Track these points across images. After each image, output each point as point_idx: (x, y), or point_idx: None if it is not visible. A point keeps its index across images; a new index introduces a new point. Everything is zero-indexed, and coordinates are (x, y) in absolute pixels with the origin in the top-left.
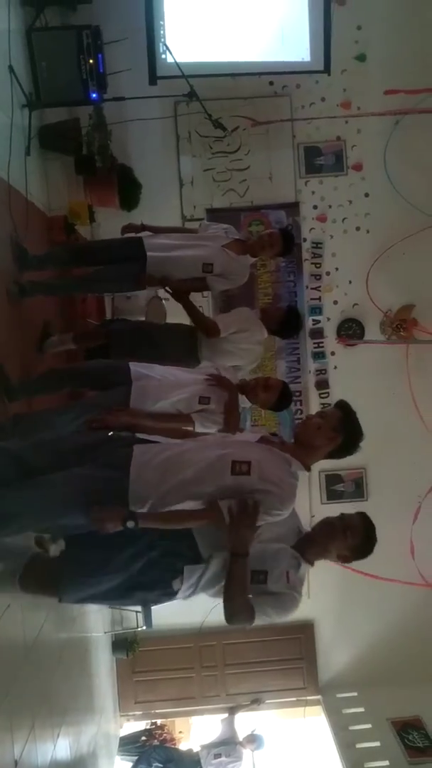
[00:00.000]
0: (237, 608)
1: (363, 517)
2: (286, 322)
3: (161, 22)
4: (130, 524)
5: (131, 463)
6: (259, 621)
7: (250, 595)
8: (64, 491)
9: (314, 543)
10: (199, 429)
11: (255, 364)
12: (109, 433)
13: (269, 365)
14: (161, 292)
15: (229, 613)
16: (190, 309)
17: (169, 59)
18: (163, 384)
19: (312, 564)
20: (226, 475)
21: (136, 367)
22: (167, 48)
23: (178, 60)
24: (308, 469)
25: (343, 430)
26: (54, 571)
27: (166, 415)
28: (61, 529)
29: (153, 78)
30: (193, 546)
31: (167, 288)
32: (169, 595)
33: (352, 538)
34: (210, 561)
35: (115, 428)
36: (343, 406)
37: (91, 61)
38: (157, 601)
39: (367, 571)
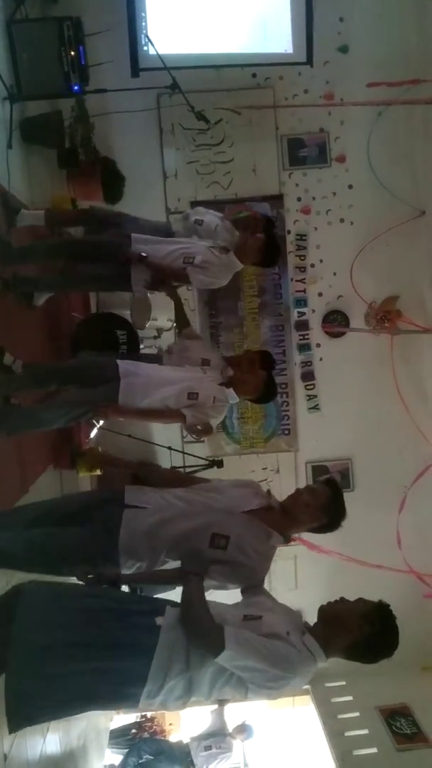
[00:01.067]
0: (198, 619)
1: (380, 605)
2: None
3: (143, 14)
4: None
5: (121, 525)
6: (247, 659)
7: (245, 632)
8: (57, 545)
9: (320, 621)
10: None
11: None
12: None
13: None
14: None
15: (193, 630)
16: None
17: (152, 51)
18: (151, 381)
19: (324, 651)
20: (204, 545)
21: (124, 364)
22: (149, 40)
23: (160, 52)
24: (288, 540)
25: (329, 511)
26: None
27: (156, 412)
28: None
29: (135, 70)
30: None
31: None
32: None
33: (364, 606)
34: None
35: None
36: (333, 485)
37: (72, 53)
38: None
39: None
